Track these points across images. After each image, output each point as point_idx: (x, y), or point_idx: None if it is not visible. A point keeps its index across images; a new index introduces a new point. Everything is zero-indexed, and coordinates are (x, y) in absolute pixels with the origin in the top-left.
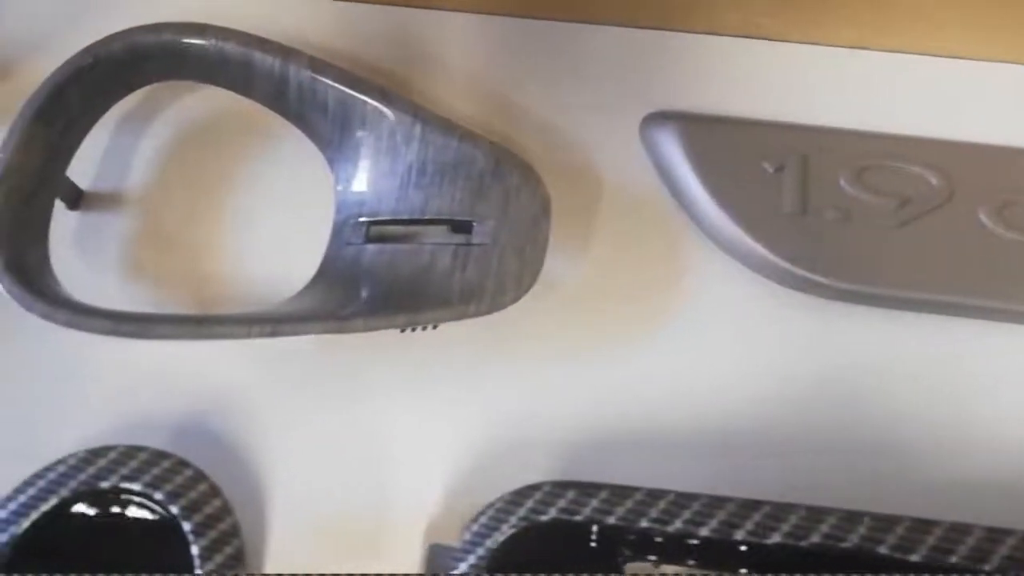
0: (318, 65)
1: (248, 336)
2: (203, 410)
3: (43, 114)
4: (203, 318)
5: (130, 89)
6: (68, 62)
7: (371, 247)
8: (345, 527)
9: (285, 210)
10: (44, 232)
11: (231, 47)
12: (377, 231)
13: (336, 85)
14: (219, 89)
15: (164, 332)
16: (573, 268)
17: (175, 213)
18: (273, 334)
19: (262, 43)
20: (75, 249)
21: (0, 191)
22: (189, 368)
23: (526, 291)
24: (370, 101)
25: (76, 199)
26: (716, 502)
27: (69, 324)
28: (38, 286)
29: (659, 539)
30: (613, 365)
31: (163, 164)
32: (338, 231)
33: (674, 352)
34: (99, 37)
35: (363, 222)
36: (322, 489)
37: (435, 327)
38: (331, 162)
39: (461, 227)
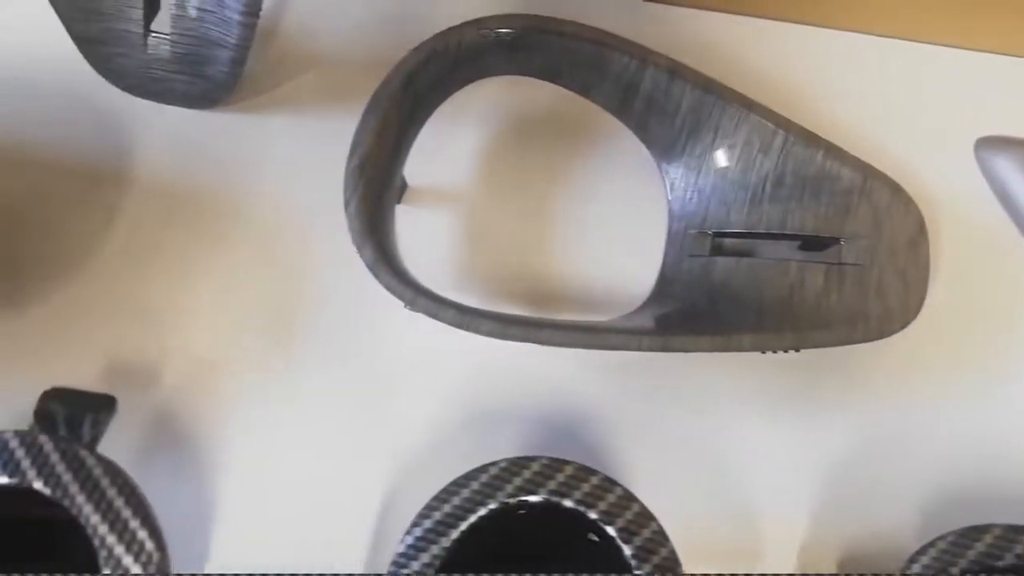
0: (678, 68)
1: (639, 349)
2: (549, 414)
3: (397, 101)
4: (591, 326)
5: (470, 80)
6: (420, 48)
7: (722, 260)
8: (705, 549)
9: (612, 214)
10: (394, 225)
11: (586, 45)
12: (717, 244)
13: (694, 89)
14: (547, 86)
15: (552, 338)
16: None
17: (500, 212)
18: (664, 348)
19: (621, 42)
20: (400, 244)
21: (362, 180)
22: (533, 370)
23: (914, 317)
24: (731, 107)
25: (402, 193)
26: None
27: (456, 323)
28: (407, 280)
29: None
30: (982, 400)
31: (487, 162)
32: (676, 241)
33: None
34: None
35: (708, 233)
36: (679, 507)
37: (797, 351)
38: (667, 169)
39: (814, 244)
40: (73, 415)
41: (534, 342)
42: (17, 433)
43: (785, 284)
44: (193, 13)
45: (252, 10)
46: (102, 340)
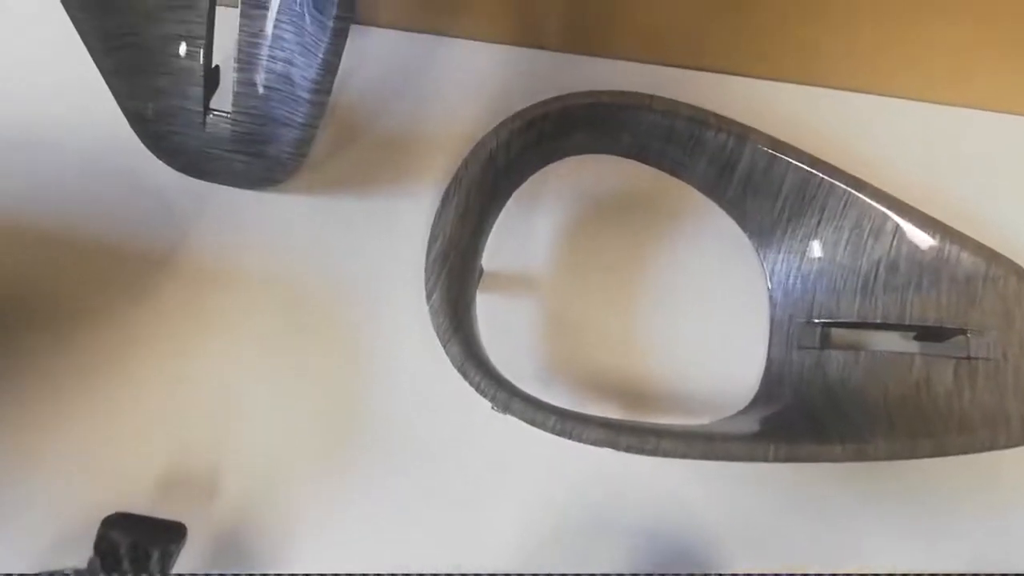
0: (780, 146)
1: (764, 460)
2: (654, 525)
3: (478, 183)
4: (712, 434)
5: (552, 160)
6: (502, 126)
7: (836, 354)
8: None
9: (705, 303)
10: (476, 315)
11: (680, 122)
12: (826, 334)
13: (798, 169)
14: (631, 164)
15: (669, 448)
16: None
17: (582, 300)
18: (792, 459)
19: (718, 119)
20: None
21: (444, 269)
22: (633, 475)
23: None
24: (838, 187)
25: (479, 278)
26: None
27: (558, 432)
28: (498, 379)
29: None
30: None
31: (567, 246)
32: (780, 332)
33: None
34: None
35: (816, 323)
36: None
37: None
38: (766, 253)
39: (934, 335)
40: (138, 544)
41: (649, 453)
42: (78, 573)
43: (910, 381)
44: (260, 91)
45: (323, 88)
46: (157, 447)
